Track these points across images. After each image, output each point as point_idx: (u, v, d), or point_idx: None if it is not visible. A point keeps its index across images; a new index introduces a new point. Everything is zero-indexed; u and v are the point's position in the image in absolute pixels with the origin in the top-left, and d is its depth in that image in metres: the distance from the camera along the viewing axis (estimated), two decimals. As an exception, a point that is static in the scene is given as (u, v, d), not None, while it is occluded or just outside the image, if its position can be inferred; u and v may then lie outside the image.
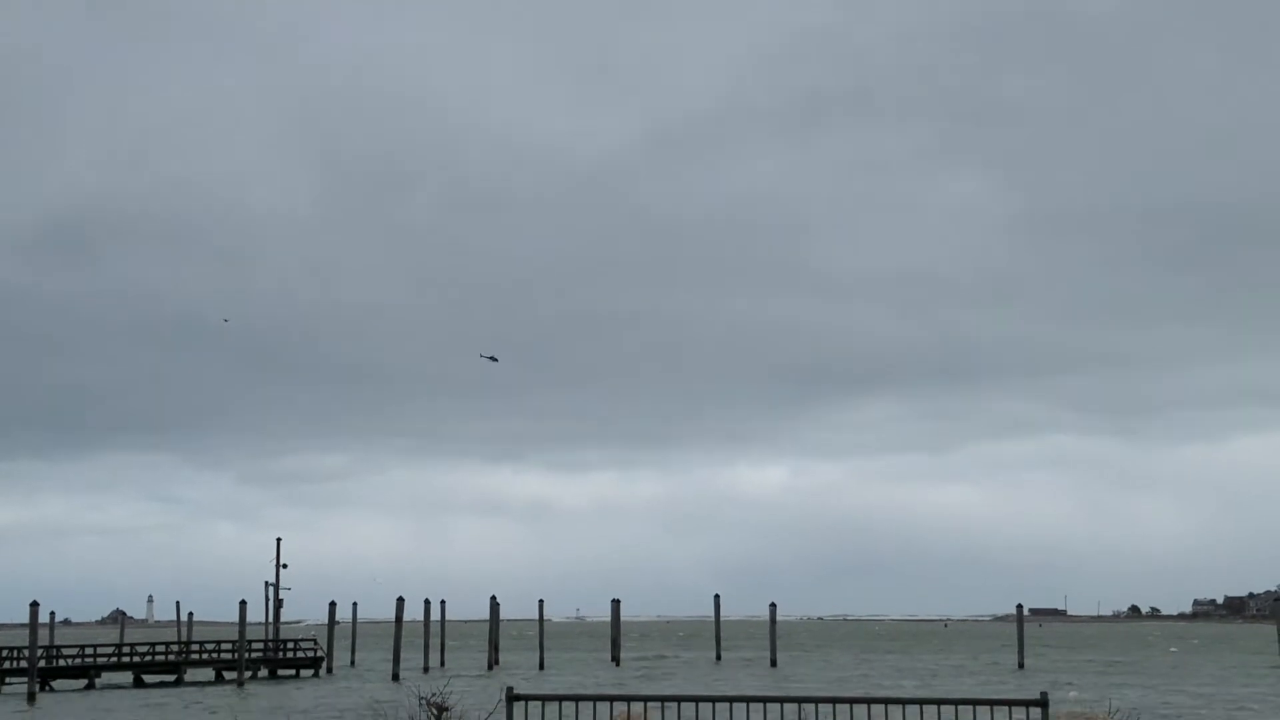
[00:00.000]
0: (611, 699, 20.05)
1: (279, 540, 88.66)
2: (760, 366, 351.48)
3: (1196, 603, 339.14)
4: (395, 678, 71.50)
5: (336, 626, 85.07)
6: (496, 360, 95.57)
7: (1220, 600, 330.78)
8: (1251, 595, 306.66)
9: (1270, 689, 61.30)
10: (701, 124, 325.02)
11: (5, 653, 69.03)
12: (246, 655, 73.77)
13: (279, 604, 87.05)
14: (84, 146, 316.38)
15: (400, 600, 76.79)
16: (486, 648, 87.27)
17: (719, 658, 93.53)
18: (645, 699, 20.33)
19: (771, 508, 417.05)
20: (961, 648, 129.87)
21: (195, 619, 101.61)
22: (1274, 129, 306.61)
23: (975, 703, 18.11)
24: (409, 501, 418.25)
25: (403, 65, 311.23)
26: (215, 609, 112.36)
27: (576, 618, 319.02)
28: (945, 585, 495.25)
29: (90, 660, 71.58)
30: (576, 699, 19.27)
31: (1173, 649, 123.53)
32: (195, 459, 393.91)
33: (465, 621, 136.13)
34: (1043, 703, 18.05)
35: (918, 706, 18.62)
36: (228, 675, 73.89)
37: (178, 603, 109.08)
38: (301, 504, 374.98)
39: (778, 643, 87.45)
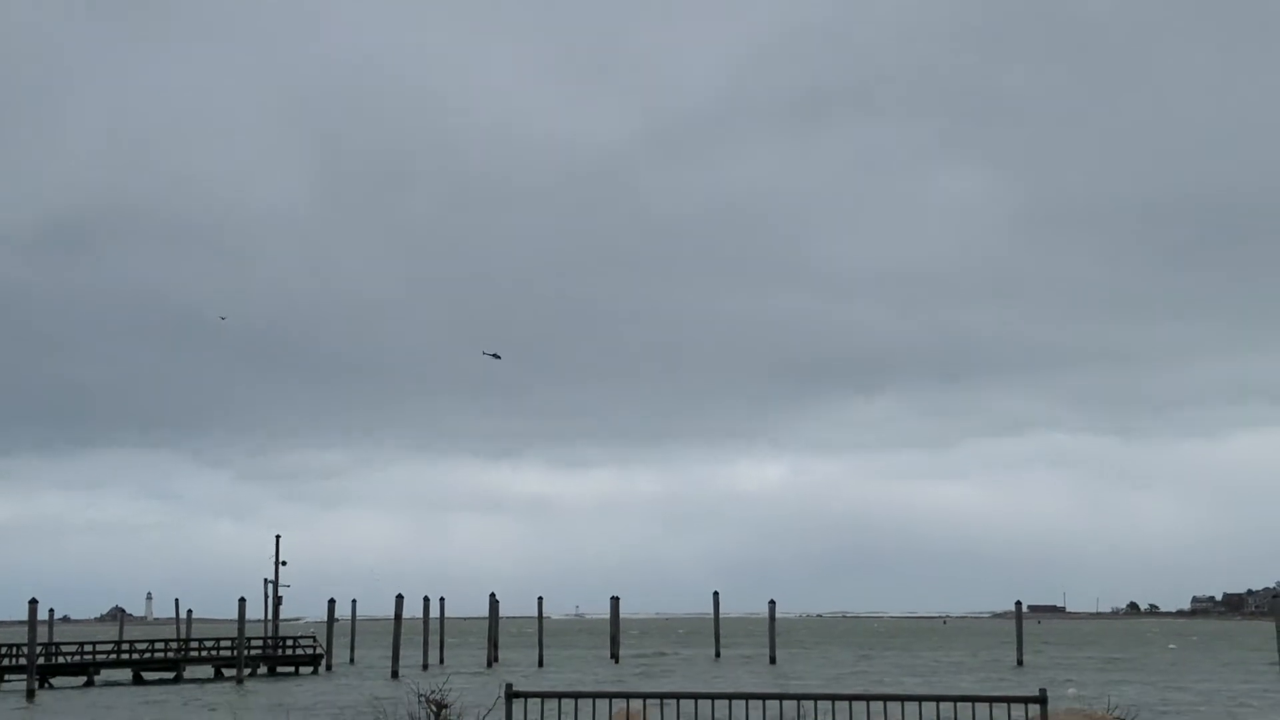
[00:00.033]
0: (611, 696, 20.05)
1: (278, 537, 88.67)
2: (760, 364, 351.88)
3: (1195, 599, 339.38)
4: (394, 675, 71.52)
5: (336, 624, 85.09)
6: (499, 357, 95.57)
7: (1219, 597, 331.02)
8: (1250, 592, 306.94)
9: (1269, 685, 61.33)
10: (701, 121, 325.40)
11: (4, 650, 69.01)
12: (246, 652, 73.78)
13: (278, 601, 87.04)
14: (85, 144, 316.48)
15: (399, 597, 76.84)
16: (486, 645, 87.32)
17: (718, 655, 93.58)
18: (644, 696, 20.33)
19: (771, 505, 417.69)
20: (961, 645, 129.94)
21: (194, 616, 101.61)
22: (1274, 127, 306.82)
23: (974, 700, 18.11)
24: (408, 499, 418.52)
25: (402, 62, 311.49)
26: (214, 606, 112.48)
27: (576, 615, 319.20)
28: (944, 582, 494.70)
29: (89, 657, 71.58)
30: (576, 696, 19.27)
31: (1171, 646, 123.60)
32: (195, 456, 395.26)
33: (464, 619, 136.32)
34: (1042, 699, 18.05)
35: (917, 704, 18.64)
36: (227, 672, 73.91)
37: (177, 600, 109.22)
38: (301, 501, 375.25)
39: (777, 640, 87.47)
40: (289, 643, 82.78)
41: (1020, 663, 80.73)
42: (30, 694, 60.12)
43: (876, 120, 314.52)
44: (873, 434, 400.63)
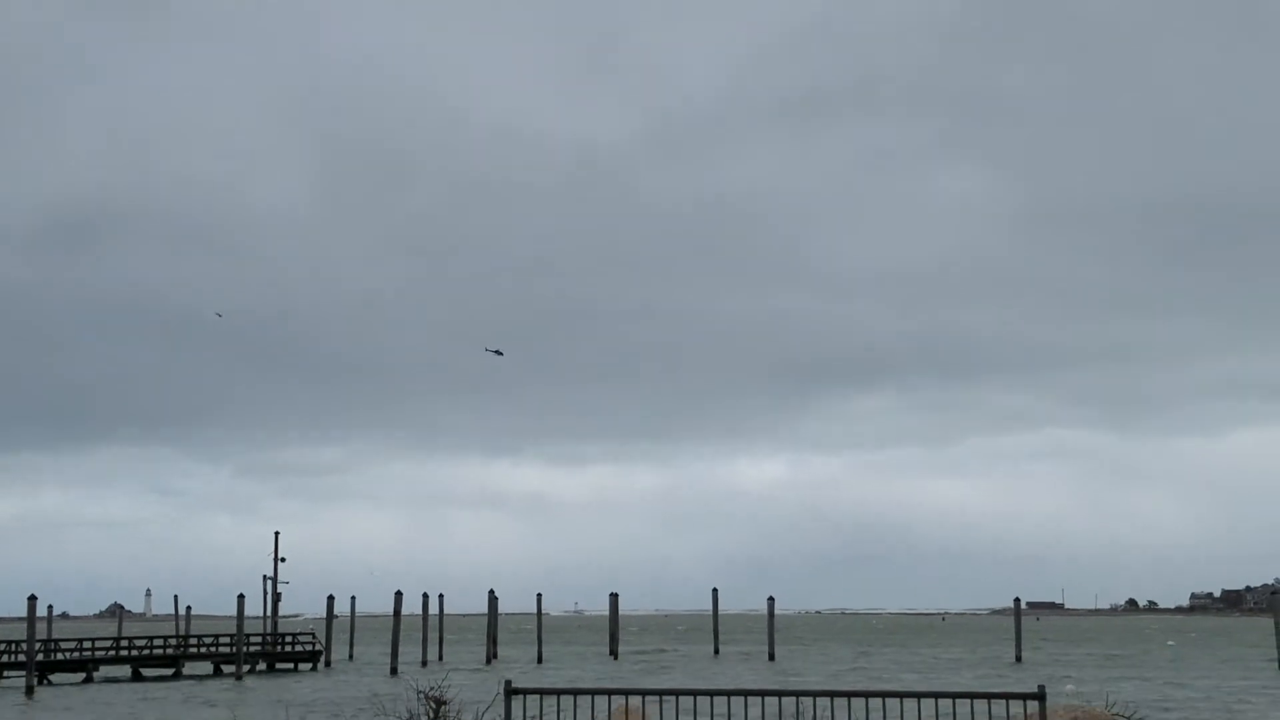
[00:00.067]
0: (610, 693, 20.05)
1: (277, 534, 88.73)
2: (760, 361, 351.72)
3: (1194, 596, 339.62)
4: (393, 671, 71.54)
5: (335, 620, 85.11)
6: (501, 354, 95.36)
7: (1217, 593, 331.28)
8: (1249, 588, 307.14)
9: (1268, 682, 61.38)
10: (702, 120, 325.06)
11: (3, 646, 69.03)
12: (245, 649, 73.83)
13: (277, 597, 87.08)
14: (84, 143, 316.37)
15: (398, 594, 76.85)
16: (485, 641, 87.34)
17: (717, 651, 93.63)
18: (643, 692, 20.33)
19: (770, 502, 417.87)
20: (959, 641, 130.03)
21: (193, 612, 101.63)
22: (1273, 126, 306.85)
23: (973, 696, 18.12)
24: (407, 495, 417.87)
25: (402, 61, 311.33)
26: (213, 602, 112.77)
27: (575, 612, 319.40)
28: (943, 579, 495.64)
29: (88, 654, 71.61)
30: (575, 693, 19.27)
31: (1170, 642, 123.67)
32: (194, 452, 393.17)
33: (464, 615, 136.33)
34: (1040, 696, 18.06)
35: (915, 700, 18.65)
36: (226, 669, 73.95)
37: (175, 596, 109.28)
38: (300, 497, 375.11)
39: (776, 636, 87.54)
40: (288, 639, 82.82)
41: (1019, 659, 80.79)
42: (29, 690, 60.14)
43: (877, 119, 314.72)
44: (872, 431, 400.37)
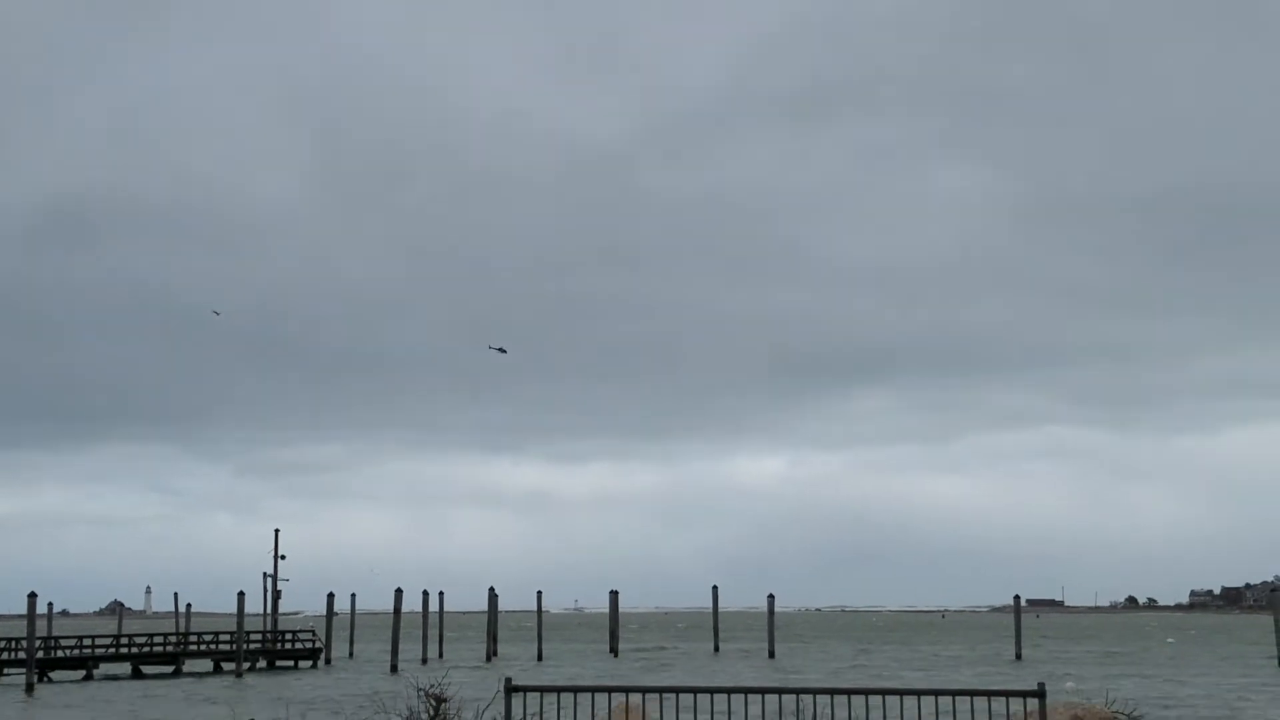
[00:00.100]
0: (610, 690, 20.04)
1: (277, 532, 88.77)
2: (759, 358, 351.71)
3: (1193, 593, 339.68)
4: (394, 669, 71.55)
5: (335, 618, 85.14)
6: (505, 352, 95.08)
7: (1217, 591, 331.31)
8: (1248, 586, 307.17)
9: (1268, 679, 61.39)
10: (702, 117, 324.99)
11: (3, 644, 68.99)
12: (245, 646, 73.86)
13: (277, 595, 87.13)
14: (84, 139, 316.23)
15: (399, 591, 76.85)
16: (485, 639, 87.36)
17: (717, 649, 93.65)
18: (644, 690, 20.31)
19: (770, 499, 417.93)
20: (959, 639, 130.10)
21: (193, 610, 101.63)
22: (1273, 124, 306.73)
23: (973, 693, 18.11)
24: (407, 493, 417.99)
25: (402, 58, 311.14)
26: (213, 600, 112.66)
27: (575, 609, 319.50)
28: (943, 576, 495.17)
29: (88, 651, 71.61)
30: (575, 690, 19.26)
31: (1170, 640, 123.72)
32: (194, 450, 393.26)
33: (464, 613, 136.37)
34: (1040, 693, 18.05)
35: (915, 697, 18.64)
36: (226, 666, 73.97)
37: (176, 594, 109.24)
38: (300, 495, 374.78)
39: (776, 634, 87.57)
40: (288, 636, 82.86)
41: (1019, 657, 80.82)
42: (29, 688, 60.17)
43: (877, 117, 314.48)
44: (871, 429, 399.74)
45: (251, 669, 74.21)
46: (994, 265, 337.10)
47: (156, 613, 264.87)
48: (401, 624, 75.87)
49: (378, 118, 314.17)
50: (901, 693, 19.12)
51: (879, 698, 19.38)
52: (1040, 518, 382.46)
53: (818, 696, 19.04)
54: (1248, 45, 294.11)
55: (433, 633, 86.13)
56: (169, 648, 76.03)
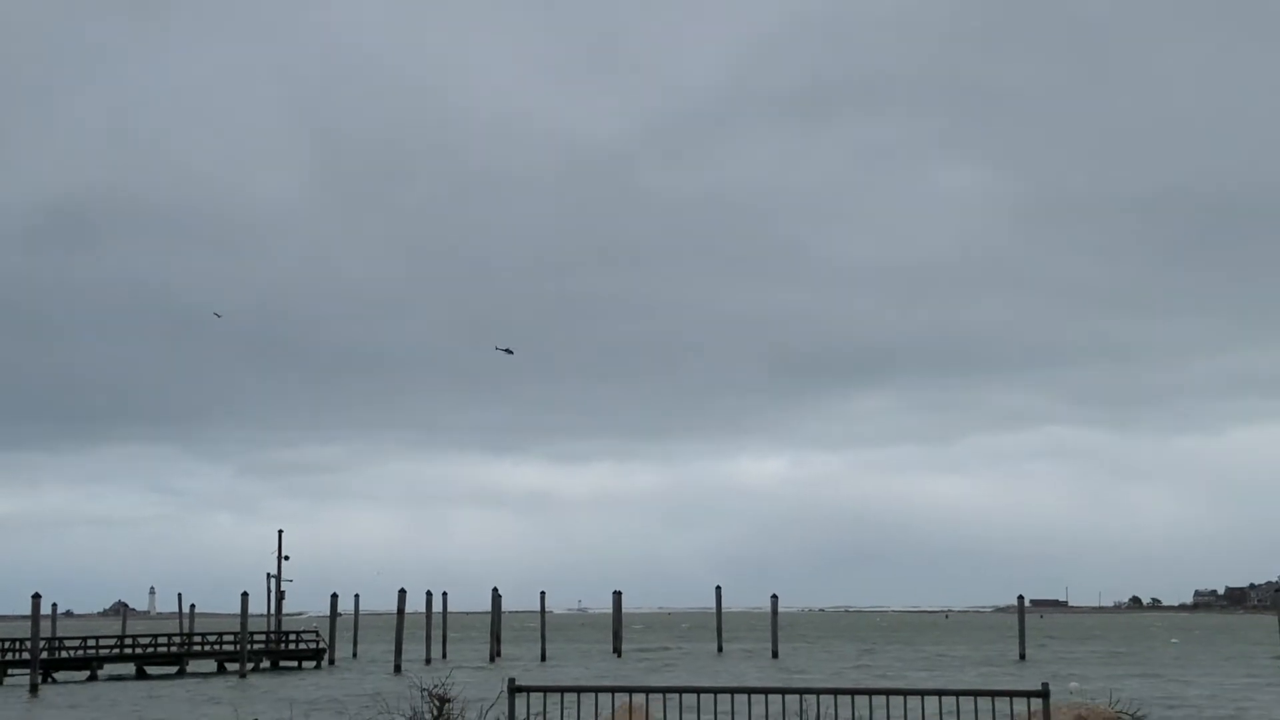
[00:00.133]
0: (613, 690, 20.04)
1: (280, 532, 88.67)
2: (761, 359, 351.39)
3: (1197, 593, 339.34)
4: (397, 669, 71.58)
5: (338, 618, 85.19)
6: (511, 352, 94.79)
7: (1221, 591, 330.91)
8: (1253, 586, 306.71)
9: (1272, 679, 61.32)
10: (702, 115, 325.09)
11: (7, 645, 69.07)
12: (248, 647, 73.90)
13: (281, 596, 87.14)
14: (85, 139, 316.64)
15: (402, 592, 76.97)
16: (488, 639, 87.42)
17: (720, 649, 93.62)
18: (647, 690, 20.31)
19: (772, 499, 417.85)
20: (963, 639, 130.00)
21: (197, 611, 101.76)
22: (1273, 121, 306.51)
23: (977, 694, 18.10)
24: (409, 493, 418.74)
25: (402, 57, 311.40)
26: (217, 601, 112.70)
27: (578, 609, 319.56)
28: (946, 576, 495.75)
29: (92, 652, 71.67)
30: (578, 690, 19.25)
31: (1174, 640, 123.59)
32: (196, 450, 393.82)
33: (467, 614, 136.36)
34: (1044, 694, 18.04)
35: (919, 697, 18.62)
36: (230, 667, 74.01)
37: (179, 594, 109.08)
38: (302, 495, 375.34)
39: (779, 634, 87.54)
40: (291, 637, 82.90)
41: (1022, 657, 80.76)
42: (33, 688, 60.23)
43: (877, 117, 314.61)
44: (873, 429, 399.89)
45: (255, 669, 74.26)
46: (994, 265, 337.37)
47: (160, 613, 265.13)
48: (405, 624, 75.90)
49: (378, 118, 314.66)
50: (905, 693, 19.10)
51: (882, 698, 19.37)
52: (1043, 518, 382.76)
53: (821, 697, 19.03)
54: (1247, 45, 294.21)
55: (436, 633, 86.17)
56: (173, 648, 76.09)
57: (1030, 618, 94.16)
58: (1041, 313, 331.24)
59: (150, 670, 72.86)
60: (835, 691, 19.16)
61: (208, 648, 77.49)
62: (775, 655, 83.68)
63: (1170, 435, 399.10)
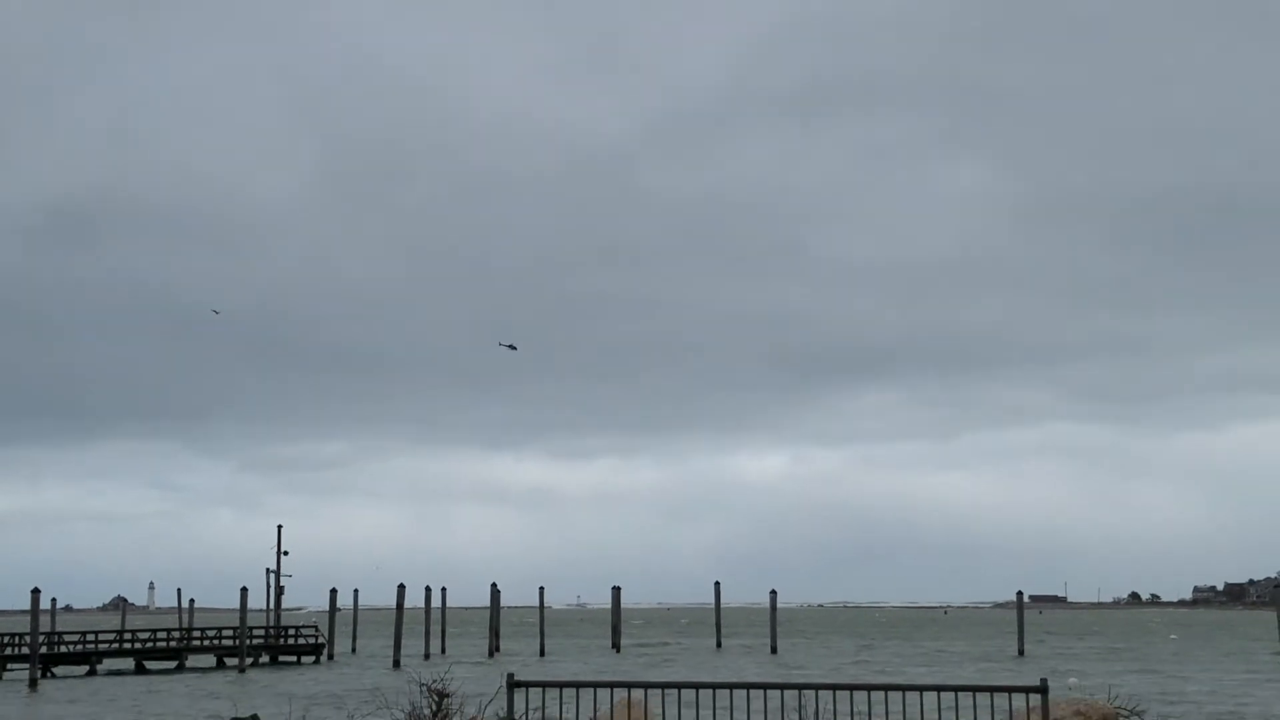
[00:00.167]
0: (612, 685, 20.05)
1: (280, 527, 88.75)
2: (761, 355, 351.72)
3: (1197, 589, 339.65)
4: (396, 664, 71.61)
5: (338, 613, 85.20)
6: (515, 348, 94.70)
7: (1220, 587, 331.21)
8: (1252, 582, 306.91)
9: (1272, 675, 61.34)
10: (703, 113, 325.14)
11: (7, 639, 69.11)
12: (248, 642, 73.94)
13: (280, 591, 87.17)
14: (85, 137, 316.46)
15: (401, 587, 76.92)
16: (487, 635, 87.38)
17: (719, 645, 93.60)
18: (646, 686, 20.32)
19: (772, 495, 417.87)
20: (962, 635, 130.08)
21: (196, 606, 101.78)
22: (1273, 119, 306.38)
23: (975, 689, 18.09)
24: (410, 489, 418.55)
25: (403, 56, 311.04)
26: (216, 596, 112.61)
27: (577, 605, 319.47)
28: (946, 572, 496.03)
29: (92, 647, 71.67)
30: (577, 685, 19.26)
31: (1173, 636, 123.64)
32: (196, 446, 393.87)
33: (466, 609, 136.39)
34: (1043, 689, 18.04)
35: (918, 693, 18.62)
36: (229, 662, 74.05)
37: (179, 589, 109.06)
38: (302, 491, 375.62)
39: (778, 630, 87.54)
40: (291, 632, 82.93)
41: (1021, 652, 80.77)
42: (33, 683, 60.23)
43: (877, 115, 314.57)
44: (873, 424, 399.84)
45: (254, 664, 74.29)
46: (995, 263, 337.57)
47: (160, 608, 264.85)
48: (404, 620, 75.92)
49: (378, 117, 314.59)
50: (904, 688, 19.09)
51: (881, 693, 19.36)
52: (1043, 514, 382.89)
53: (820, 692, 19.03)
54: (1248, 43, 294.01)
55: (435, 628, 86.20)
56: (172, 643, 76.13)
57: (1029, 613, 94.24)
58: (1042, 310, 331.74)
59: (149, 665, 72.87)
60: (834, 687, 19.15)
61: (207, 643, 77.52)
62: (774, 651, 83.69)
63: (1170, 432, 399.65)
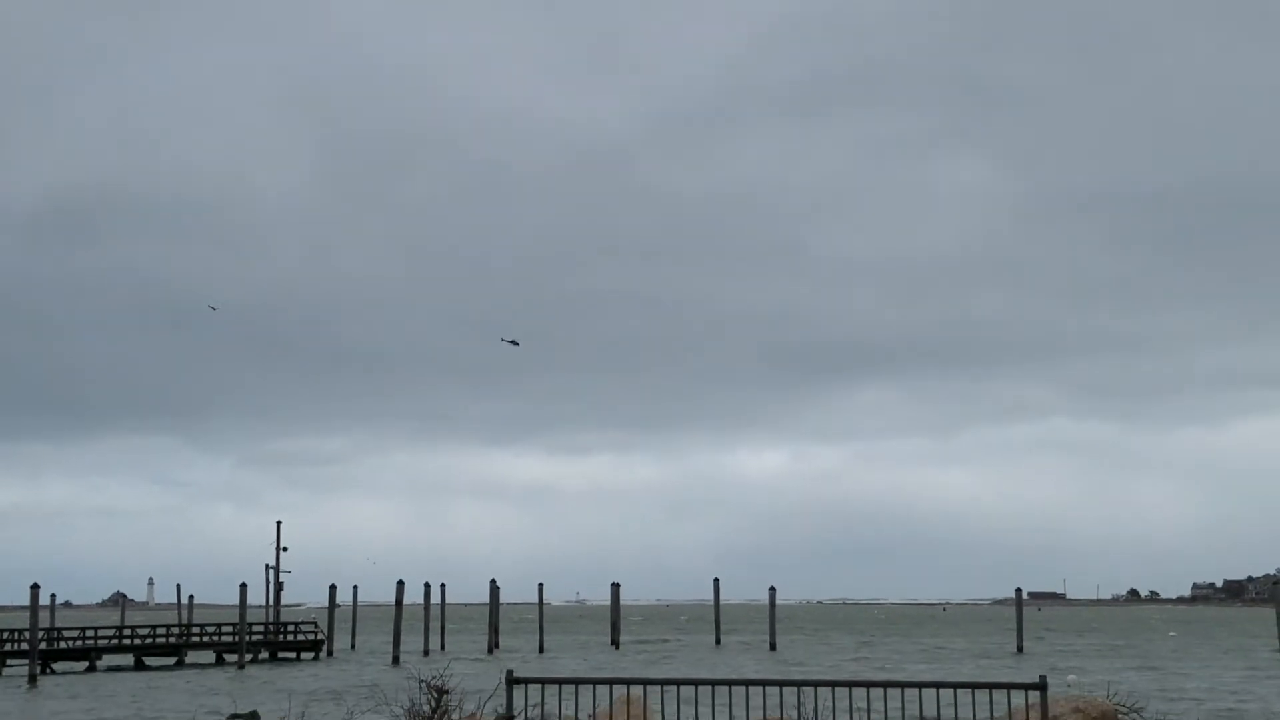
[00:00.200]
0: (611, 682, 20.06)
1: (279, 523, 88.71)
2: (761, 351, 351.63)
3: (1195, 586, 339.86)
4: (395, 661, 71.63)
5: (337, 609, 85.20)
6: (518, 344, 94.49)
7: (1219, 584, 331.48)
8: (1250, 579, 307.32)
9: (1271, 672, 61.38)
10: (703, 106, 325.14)
11: (6, 635, 69.07)
12: (247, 638, 73.95)
13: (279, 587, 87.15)
14: (86, 132, 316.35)
15: (400, 583, 76.89)
16: (487, 631, 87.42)
17: (719, 641, 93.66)
18: (645, 682, 20.32)
19: (771, 492, 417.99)
20: (961, 631, 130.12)
21: (196, 601, 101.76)
22: (1273, 118, 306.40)
23: (974, 686, 18.10)
24: (409, 485, 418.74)
25: (404, 50, 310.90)
26: (216, 592, 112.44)
27: (576, 601, 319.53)
28: (945, 569, 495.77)
29: (91, 643, 71.67)
30: (577, 682, 19.27)
31: (1172, 633, 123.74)
32: (196, 442, 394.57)
33: (466, 605, 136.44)
34: (1041, 686, 18.05)
35: (917, 690, 18.63)
36: (228, 658, 74.05)
37: (178, 585, 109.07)
38: (302, 487, 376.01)
39: (777, 626, 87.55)
40: (290, 628, 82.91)
41: (1020, 649, 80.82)
42: (32, 679, 60.22)
43: (877, 110, 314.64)
44: (873, 420, 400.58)
45: (254, 660, 74.31)
46: (995, 259, 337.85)
47: (159, 604, 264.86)
48: (403, 616, 75.92)
49: (379, 114, 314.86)
50: (903, 685, 19.11)
51: (880, 690, 19.39)
52: (1042, 510, 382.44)
53: (819, 689, 19.04)
54: (1249, 41, 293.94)
55: (434, 625, 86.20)
56: (171, 639, 76.15)
57: (1028, 610, 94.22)
58: (1043, 306, 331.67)
59: (149, 661, 72.85)
60: (833, 684, 19.16)
61: (206, 639, 77.53)
62: (773, 647, 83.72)
63: (1170, 428, 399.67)
